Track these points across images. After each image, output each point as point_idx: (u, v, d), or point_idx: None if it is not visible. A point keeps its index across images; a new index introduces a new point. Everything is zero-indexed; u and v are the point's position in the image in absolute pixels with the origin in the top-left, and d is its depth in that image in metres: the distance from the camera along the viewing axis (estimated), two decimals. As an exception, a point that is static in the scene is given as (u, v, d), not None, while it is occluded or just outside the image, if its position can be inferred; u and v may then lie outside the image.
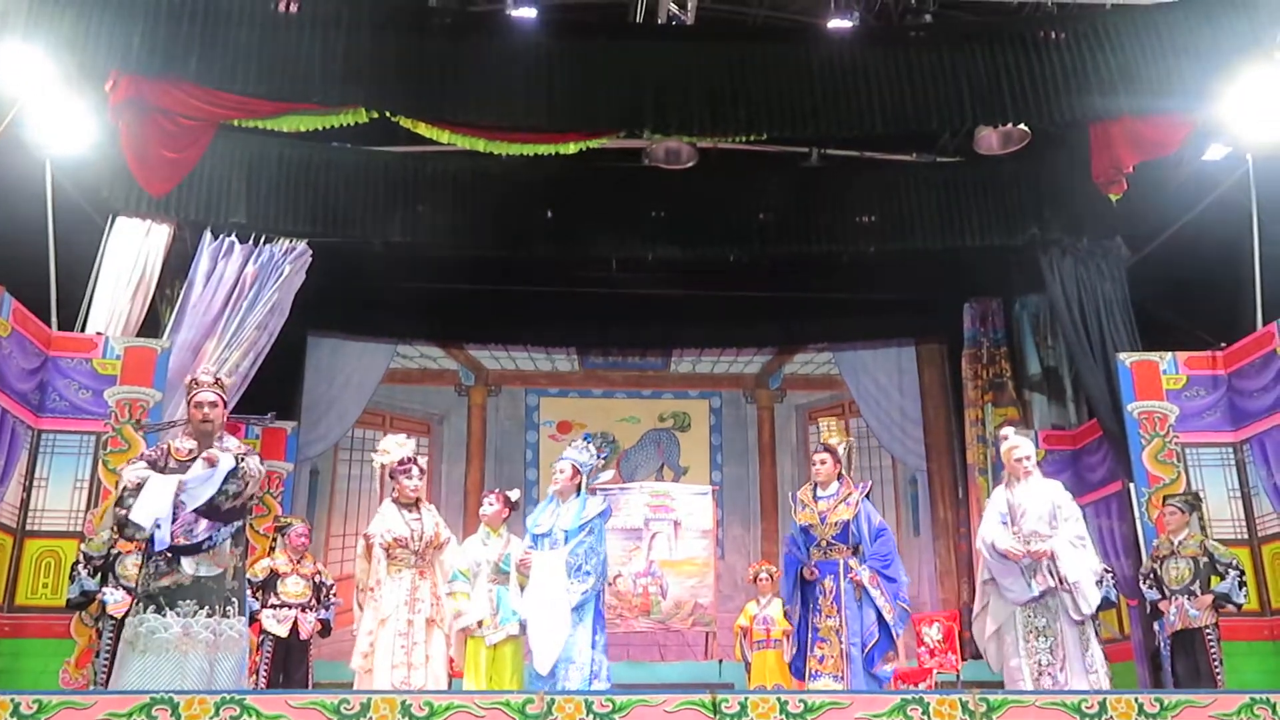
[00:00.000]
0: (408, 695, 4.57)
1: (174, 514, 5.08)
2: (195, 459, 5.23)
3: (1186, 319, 10.30)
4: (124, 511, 5.06)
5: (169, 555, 5.15)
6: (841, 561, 6.40)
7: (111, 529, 6.65)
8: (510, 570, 6.57)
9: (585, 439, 6.81)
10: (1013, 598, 6.42)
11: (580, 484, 6.51)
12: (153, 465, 5.22)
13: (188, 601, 5.14)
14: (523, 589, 6.38)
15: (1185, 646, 7.24)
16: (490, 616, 6.55)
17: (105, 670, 7.13)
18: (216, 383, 5.47)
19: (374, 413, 12.58)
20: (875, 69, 8.46)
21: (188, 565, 5.18)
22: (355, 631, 6.36)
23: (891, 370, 13.13)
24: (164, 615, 5.07)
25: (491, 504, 6.90)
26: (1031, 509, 6.53)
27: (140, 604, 5.12)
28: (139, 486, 5.07)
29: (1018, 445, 6.81)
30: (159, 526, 5.02)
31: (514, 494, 7.03)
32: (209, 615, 5.15)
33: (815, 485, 6.64)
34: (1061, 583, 6.34)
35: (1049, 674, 6.30)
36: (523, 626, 6.41)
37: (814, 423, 13.08)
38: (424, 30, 8.46)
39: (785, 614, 6.74)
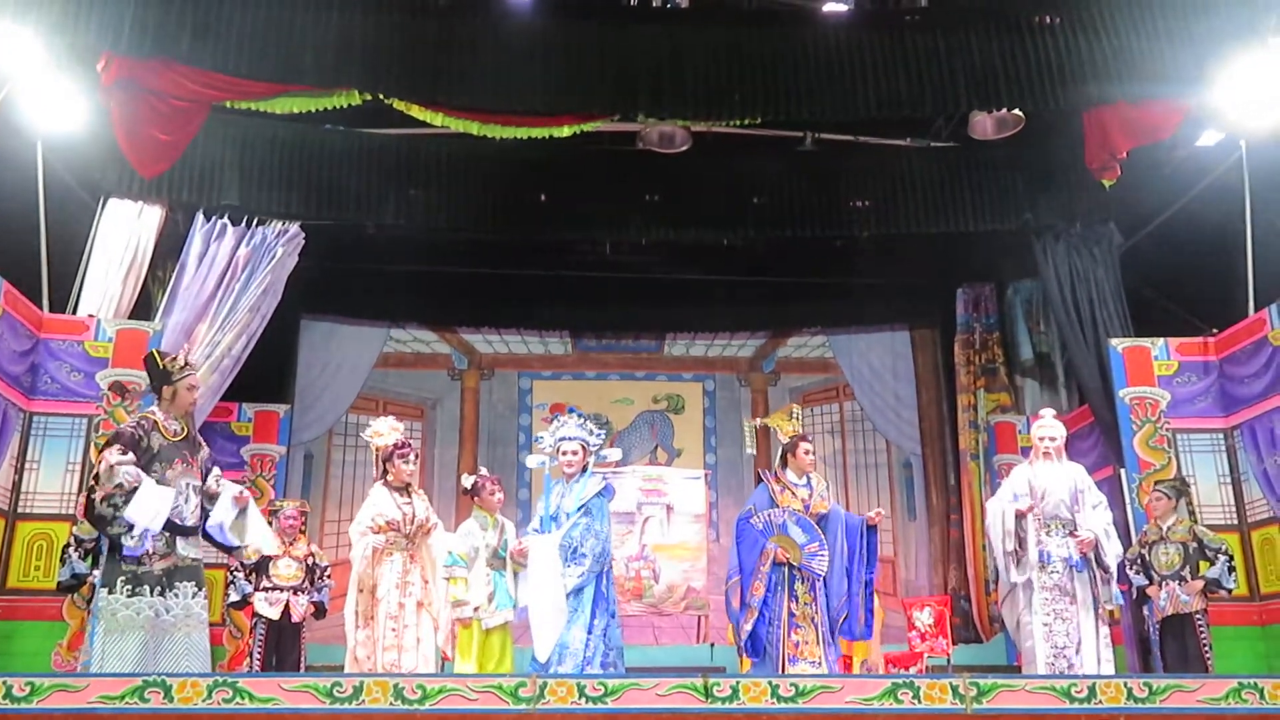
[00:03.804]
0: (400, 679, 4.59)
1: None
2: (183, 441, 5.43)
3: (1179, 305, 10.32)
4: (111, 509, 5.14)
5: (167, 538, 5.30)
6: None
7: (81, 512, 6.71)
8: (507, 556, 6.57)
9: (579, 415, 6.71)
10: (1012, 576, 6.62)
11: (588, 464, 6.44)
12: (136, 445, 5.27)
13: (186, 583, 5.29)
14: (517, 575, 6.38)
15: (1175, 631, 7.27)
16: (487, 602, 6.56)
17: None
18: None
19: (368, 397, 12.56)
20: (870, 53, 8.46)
21: (182, 547, 5.35)
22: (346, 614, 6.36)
23: (885, 354, 13.14)
24: (165, 597, 5.20)
25: (493, 491, 6.89)
26: (1053, 491, 6.63)
27: (132, 586, 5.16)
28: (134, 489, 5.15)
29: (1045, 425, 6.87)
30: (146, 537, 5.18)
31: (467, 480, 7.04)
32: (203, 595, 5.41)
33: (789, 470, 6.66)
34: (1104, 570, 6.52)
35: (1064, 656, 6.37)
36: (519, 612, 6.41)
37: (809, 406, 13.09)
38: (418, 12, 8.43)
39: (726, 588, 6.61)
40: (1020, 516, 6.68)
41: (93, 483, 5.27)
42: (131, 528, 5.12)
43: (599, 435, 6.57)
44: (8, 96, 7.89)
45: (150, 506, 5.14)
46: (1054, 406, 11.06)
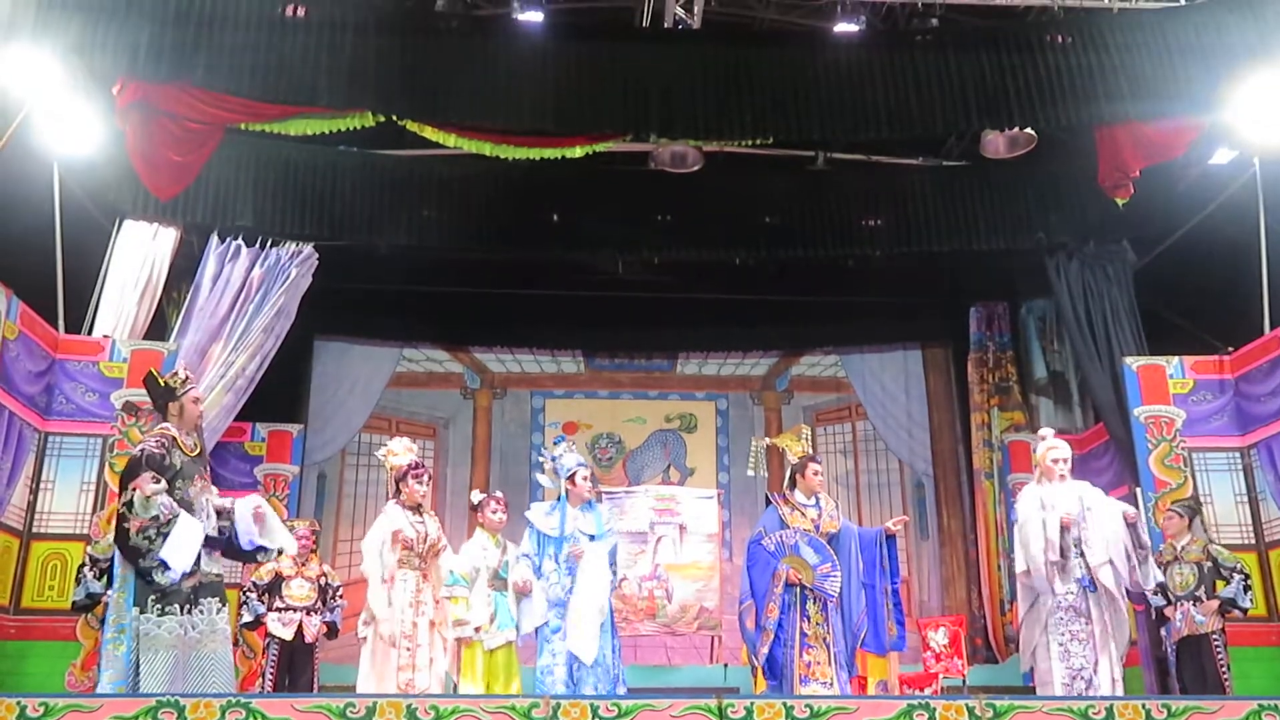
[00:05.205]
0: (413, 699, 4.57)
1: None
2: (199, 456, 5.46)
3: (1193, 323, 10.28)
4: (146, 542, 5.11)
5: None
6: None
7: (111, 535, 6.70)
8: (508, 577, 6.62)
9: (571, 445, 6.99)
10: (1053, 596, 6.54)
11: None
12: (163, 465, 5.26)
13: (210, 599, 5.31)
14: (518, 599, 6.47)
15: (1191, 652, 7.22)
16: (488, 622, 6.59)
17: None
18: None
19: (380, 417, 12.57)
20: (881, 73, 8.45)
21: (206, 564, 5.36)
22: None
23: (898, 374, 13.10)
24: (191, 614, 5.22)
25: (495, 510, 6.92)
26: (1066, 510, 6.54)
27: (162, 604, 5.17)
28: (170, 521, 5.15)
29: (1055, 447, 6.79)
30: (185, 574, 5.20)
31: (475, 497, 7.12)
32: (225, 610, 5.42)
33: (797, 491, 6.63)
34: (1141, 548, 6.44)
35: (1081, 678, 6.31)
36: (537, 631, 6.50)
37: (822, 425, 13.06)
38: (430, 33, 8.47)
39: (740, 612, 6.55)
40: (1065, 528, 6.55)
41: (124, 510, 5.17)
42: (165, 565, 5.12)
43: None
44: (25, 119, 7.96)
45: (187, 551, 5.15)
46: (1069, 425, 11.12)
